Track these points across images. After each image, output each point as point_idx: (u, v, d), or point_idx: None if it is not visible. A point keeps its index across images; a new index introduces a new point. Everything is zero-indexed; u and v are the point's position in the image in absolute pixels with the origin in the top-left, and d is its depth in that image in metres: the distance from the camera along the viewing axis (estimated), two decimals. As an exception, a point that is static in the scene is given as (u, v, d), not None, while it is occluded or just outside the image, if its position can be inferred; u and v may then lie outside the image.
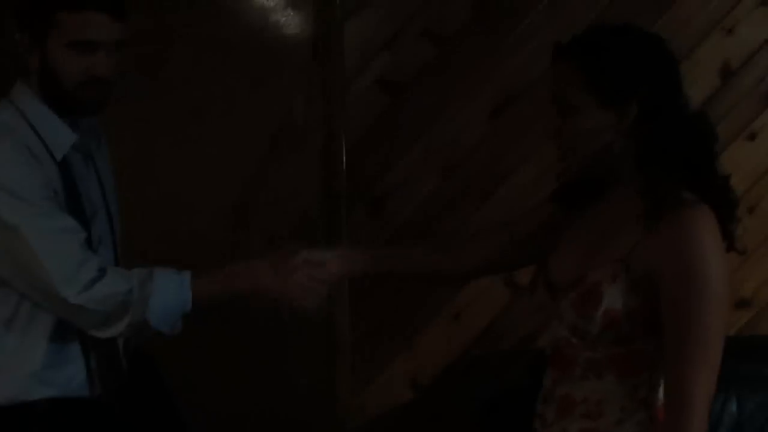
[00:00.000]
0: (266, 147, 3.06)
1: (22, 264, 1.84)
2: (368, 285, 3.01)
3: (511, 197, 3.04)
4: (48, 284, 1.83)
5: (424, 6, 3.01)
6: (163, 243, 2.92)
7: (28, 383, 1.92)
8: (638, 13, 2.94)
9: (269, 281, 1.97)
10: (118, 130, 2.30)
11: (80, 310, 1.85)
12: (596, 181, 1.75)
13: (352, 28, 3.02)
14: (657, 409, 1.66)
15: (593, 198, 1.76)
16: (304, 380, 3.11)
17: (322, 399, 3.09)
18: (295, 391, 3.10)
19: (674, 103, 1.66)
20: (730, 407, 2.66)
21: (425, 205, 3.06)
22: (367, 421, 3.08)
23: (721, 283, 1.57)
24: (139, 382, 2.12)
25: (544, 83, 1.98)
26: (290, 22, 3.08)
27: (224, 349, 3.00)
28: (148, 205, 2.96)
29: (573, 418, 1.70)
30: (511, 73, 3.02)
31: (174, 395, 2.24)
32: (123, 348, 2.05)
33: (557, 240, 1.81)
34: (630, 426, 1.66)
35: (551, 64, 1.71)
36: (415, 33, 3.01)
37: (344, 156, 3.04)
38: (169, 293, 1.89)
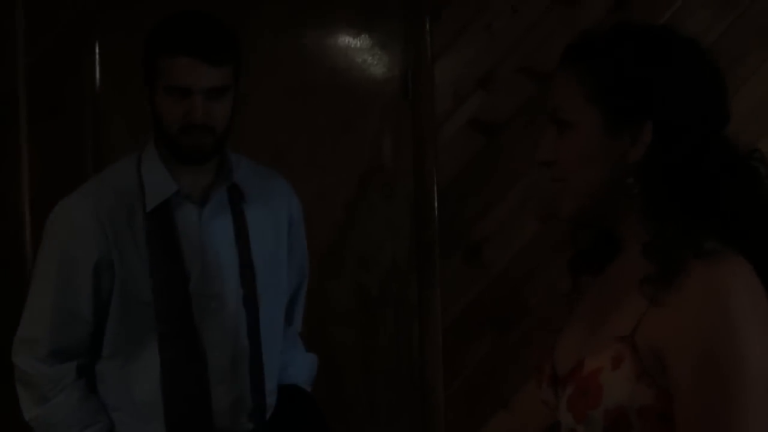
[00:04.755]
0: (354, 192, 2.93)
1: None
2: (462, 340, 2.91)
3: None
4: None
5: (521, 41, 2.88)
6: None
7: None
8: (749, 47, 2.74)
9: None
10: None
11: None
12: (610, 236, 1.36)
13: (444, 65, 2.91)
14: None
15: (606, 262, 1.37)
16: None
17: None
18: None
19: (706, 132, 1.25)
20: None
21: (523, 253, 2.91)
22: (463, 484, 2.92)
23: (760, 364, 1.15)
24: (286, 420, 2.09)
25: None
26: (378, 61, 2.97)
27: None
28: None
29: None
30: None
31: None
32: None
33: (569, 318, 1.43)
34: None
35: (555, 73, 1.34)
36: (512, 69, 2.86)
37: (436, 201, 2.92)
38: None
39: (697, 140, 1.24)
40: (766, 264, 1.22)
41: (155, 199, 1.93)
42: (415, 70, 2.91)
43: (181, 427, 1.93)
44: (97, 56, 2.98)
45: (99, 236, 1.92)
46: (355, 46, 2.97)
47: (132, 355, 1.95)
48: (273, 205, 2.09)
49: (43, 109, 2.96)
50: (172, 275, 1.93)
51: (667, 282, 1.20)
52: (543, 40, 2.85)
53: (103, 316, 1.95)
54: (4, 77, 2.95)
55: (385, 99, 2.95)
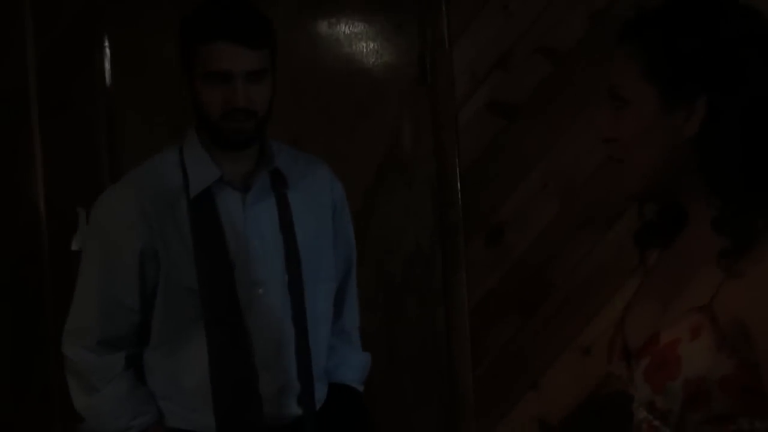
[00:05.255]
0: (374, 179, 2.91)
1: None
2: (489, 320, 2.90)
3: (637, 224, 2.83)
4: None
5: (538, 20, 2.85)
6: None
7: None
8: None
9: None
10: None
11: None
12: (675, 211, 1.35)
13: (461, 48, 2.88)
14: None
15: (675, 234, 1.37)
16: (426, 426, 2.95)
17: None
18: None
19: (762, 103, 1.23)
20: None
21: (545, 234, 2.89)
22: (493, 466, 2.93)
23: None
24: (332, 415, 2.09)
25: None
26: (394, 45, 2.94)
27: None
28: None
29: None
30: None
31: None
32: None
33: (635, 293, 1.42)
34: None
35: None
36: (529, 50, 2.84)
37: (458, 185, 2.90)
38: None
39: (755, 114, 1.22)
40: None
41: (199, 185, 1.92)
42: (432, 53, 2.88)
43: (230, 414, 1.92)
44: (107, 49, 2.95)
45: (143, 225, 1.91)
46: (371, 31, 2.93)
47: (179, 344, 1.95)
48: (315, 191, 2.07)
49: (54, 104, 2.95)
50: (217, 262, 1.91)
51: (743, 254, 1.19)
52: (560, 19, 2.82)
53: (149, 306, 1.95)
54: (14, 73, 2.93)
55: (403, 83, 2.92)
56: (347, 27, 2.94)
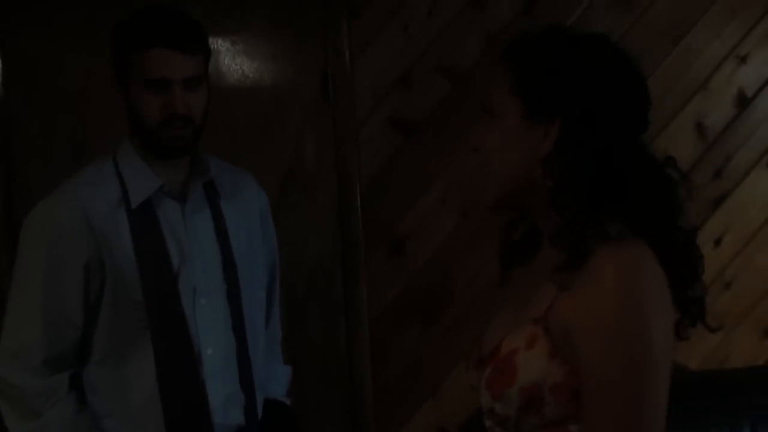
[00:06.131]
0: (277, 193, 2.93)
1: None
2: (389, 332, 2.97)
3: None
4: None
5: (437, 40, 2.94)
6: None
7: None
8: (652, 44, 2.91)
9: None
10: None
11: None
12: (536, 230, 1.44)
13: (362, 66, 2.93)
14: None
15: (535, 253, 1.45)
16: (327, 434, 2.98)
17: (345, 453, 2.98)
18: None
19: (618, 134, 1.31)
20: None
21: (445, 246, 2.97)
22: (393, 475, 2.97)
23: (662, 340, 1.23)
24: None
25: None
26: (298, 63, 2.96)
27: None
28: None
29: None
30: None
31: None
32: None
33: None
34: None
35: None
36: (428, 69, 2.93)
37: (359, 199, 2.95)
38: None
39: (607, 140, 1.30)
40: (666, 252, 1.30)
41: (140, 194, 1.90)
42: (334, 70, 2.92)
43: (180, 426, 1.89)
44: None
45: (87, 235, 1.87)
46: (275, 48, 2.96)
47: (125, 358, 1.90)
48: (244, 201, 2.08)
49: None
50: (162, 273, 1.89)
51: (574, 268, 1.27)
52: (457, 40, 2.92)
53: (91, 320, 1.90)
54: None
55: (306, 99, 2.95)
56: (251, 43, 2.96)
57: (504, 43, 1.39)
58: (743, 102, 3.02)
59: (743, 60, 3.01)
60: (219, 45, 2.93)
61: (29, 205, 1.99)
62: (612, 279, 1.23)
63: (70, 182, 1.96)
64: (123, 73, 1.88)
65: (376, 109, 2.94)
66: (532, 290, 1.36)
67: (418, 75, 2.93)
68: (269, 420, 2.09)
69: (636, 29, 2.94)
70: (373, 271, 2.96)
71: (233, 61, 2.96)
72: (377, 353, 2.96)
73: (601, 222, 1.29)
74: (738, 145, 2.99)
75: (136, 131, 1.92)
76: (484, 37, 2.93)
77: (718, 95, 3.01)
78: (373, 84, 2.94)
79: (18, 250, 1.94)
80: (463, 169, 2.93)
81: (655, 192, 1.32)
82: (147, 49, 1.83)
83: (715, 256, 2.99)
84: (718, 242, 3.02)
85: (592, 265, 1.25)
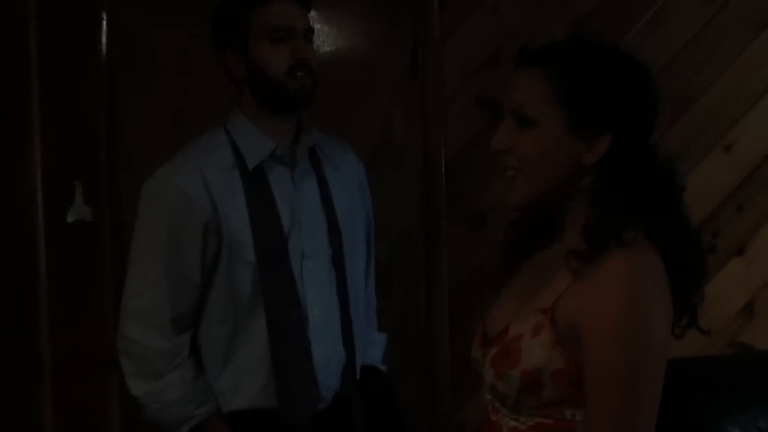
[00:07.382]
0: (365, 165, 3.03)
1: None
2: (467, 302, 3.03)
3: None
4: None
5: (525, 23, 3.01)
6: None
7: None
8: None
9: None
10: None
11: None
12: (547, 223, 1.49)
13: (452, 46, 3.02)
14: None
15: (542, 243, 1.51)
16: (404, 394, 3.08)
17: (420, 417, 3.07)
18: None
19: (647, 144, 1.40)
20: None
21: (525, 221, 3.04)
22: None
23: (645, 339, 1.29)
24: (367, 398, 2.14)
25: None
26: (389, 41, 3.06)
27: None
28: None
29: None
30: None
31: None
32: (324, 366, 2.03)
33: (501, 288, 1.57)
34: None
35: (512, 71, 1.44)
36: (516, 50, 2.97)
37: (443, 173, 3.03)
38: None
39: (641, 149, 1.38)
40: (672, 255, 1.37)
41: (256, 157, 1.97)
42: (425, 49, 3.02)
43: (289, 385, 1.95)
44: (104, 29, 3.00)
45: (206, 199, 1.93)
46: (367, 24, 3.06)
47: (241, 318, 1.96)
48: (346, 169, 2.15)
49: (54, 83, 2.96)
50: (273, 235, 1.95)
51: (591, 257, 1.33)
52: (545, 21, 2.99)
53: (210, 280, 1.96)
54: (15, 51, 2.94)
55: (396, 76, 3.05)
56: (345, 22, 3.06)
57: (526, 46, 1.43)
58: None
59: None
60: (315, 21, 3.02)
61: (133, 172, 2.06)
62: (622, 282, 1.30)
63: (187, 149, 2.02)
64: (243, 34, 1.96)
65: (463, 87, 3.03)
66: (541, 279, 1.44)
67: (505, 56, 3.00)
68: (366, 384, 2.14)
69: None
70: (454, 243, 3.05)
71: (328, 39, 3.06)
72: (455, 321, 3.04)
73: (624, 225, 1.35)
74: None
75: (258, 87, 1.98)
76: (571, 19, 3.00)
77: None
78: (462, 63, 3.02)
79: (138, 215, 2.00)
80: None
81: (668, 188, 1.40)
82: (268, 3, 1.94)
83: None
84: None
85: (605, 265, 1.32)
